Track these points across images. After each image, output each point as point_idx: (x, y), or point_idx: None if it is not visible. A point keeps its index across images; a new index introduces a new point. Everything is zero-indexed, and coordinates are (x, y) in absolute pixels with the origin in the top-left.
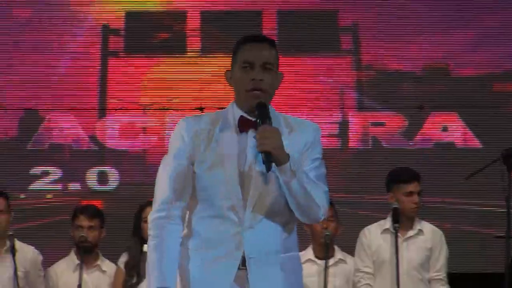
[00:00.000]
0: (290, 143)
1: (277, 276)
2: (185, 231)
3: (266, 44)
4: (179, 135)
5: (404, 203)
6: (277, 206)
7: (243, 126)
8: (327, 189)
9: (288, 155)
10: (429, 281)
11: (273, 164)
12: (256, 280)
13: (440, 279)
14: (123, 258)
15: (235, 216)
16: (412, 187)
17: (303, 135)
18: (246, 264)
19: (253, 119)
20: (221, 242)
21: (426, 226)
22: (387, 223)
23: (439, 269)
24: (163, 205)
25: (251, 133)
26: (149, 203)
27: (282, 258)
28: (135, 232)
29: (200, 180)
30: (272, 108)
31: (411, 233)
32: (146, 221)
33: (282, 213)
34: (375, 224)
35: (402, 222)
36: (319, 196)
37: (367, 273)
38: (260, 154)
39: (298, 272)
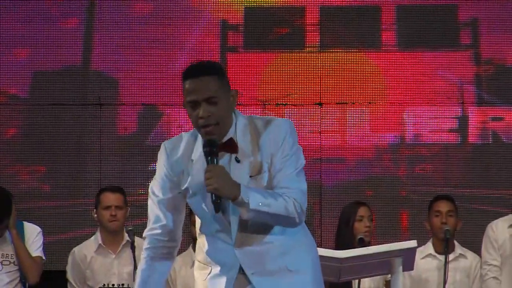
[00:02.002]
0: (259, 152)
1: (287, 279)
2: (199, 245)
3: (206, 77)
4: (162, 164)
5: None
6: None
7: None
8: (302, 188)
9: (238, 188)
10: None
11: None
12: None
13: None
14: None
15: (225, 238)
16: None
17: (270, 136)
18: (250, 280)
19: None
20: (218, 259)
21: None
22: None
23: None
24: (156, 226)
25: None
26: None
27: (287, 258)
28: None
29: (190, 205)
30: (239, 114)
31: None
32: None
33: (268, 223)
34: (502, 218)
35: None
36: (285, 208)
37: (494, 266)
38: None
39: (311, 263)
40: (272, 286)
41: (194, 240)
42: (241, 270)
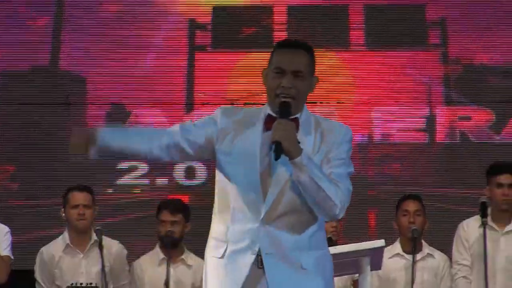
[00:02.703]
0: (317, 141)
1: (297, 273)
2: (213, 221)
3: (301, 51)
4: (213, 119)
5: (494, 195)
6: (297, 204)
7: (268, 123)
8: (349, 187)
9: (301, 150)
10: None
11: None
12: (273, 276)
13: None
14: None
15: (254, 212)
16: (502, 178)
17: (331, 135)
18: (263, 260)
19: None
20: (240, 236)
21: None
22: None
23: None
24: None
25: None
26: None
27: (304, 256)
28: None
29: (226, 172)
30: (305, 108)
31: (509, 227)
32: None
33: (302, 211)
34: (473, 217)
35: (498, 216)
36: (334, 193)
37: (464, 265)
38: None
39: (326, 271)
40: (282, 274)
41: (160, 239)
42: (259, 253)
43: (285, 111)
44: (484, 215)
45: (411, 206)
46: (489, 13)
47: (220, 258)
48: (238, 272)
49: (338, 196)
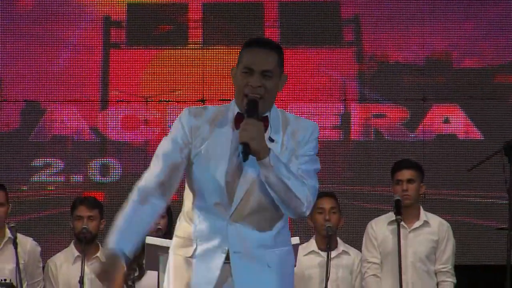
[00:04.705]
0: (286, 139)
1: (263, 272)
2: (180, 220)
3: (269, 51)
4: (180, 124)
5: (396, 192)
6: (265, 203)
7: (238, 122)
8: (315, 185)
9: (268, 150)
10: (435, 273)
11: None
12: (240, 275)
13: (447, 271)
14: None
15: (221, 211)
16: (400, 175)
17: (300, 133)
18: (230, 259)
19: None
20: (209, 235)
21: (433, 218)
22: (395, 215)
23: (445, 261)
24: (151, 179)
25: None
26: None
27: (269, 253)
28: None
29: (193, 172)
30: (274, 106)
31: (417, 224)
32: None
33: (269, 209)
34: (383, 216)
35: (405, 212)
36: (301, 191)
37: (374, 263)
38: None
39: (288, 267)
40: (248, 273)
41: (75, 235)
42: (228, 252)
43: (252, 109)
44: (398, 212)
45: (326, 203)
46: (403, 11)
47: (189, 257)
48: (210, 272)
49: (305, 194)
